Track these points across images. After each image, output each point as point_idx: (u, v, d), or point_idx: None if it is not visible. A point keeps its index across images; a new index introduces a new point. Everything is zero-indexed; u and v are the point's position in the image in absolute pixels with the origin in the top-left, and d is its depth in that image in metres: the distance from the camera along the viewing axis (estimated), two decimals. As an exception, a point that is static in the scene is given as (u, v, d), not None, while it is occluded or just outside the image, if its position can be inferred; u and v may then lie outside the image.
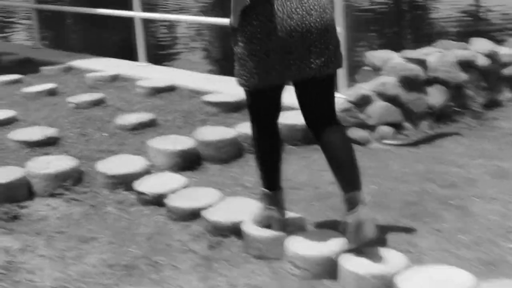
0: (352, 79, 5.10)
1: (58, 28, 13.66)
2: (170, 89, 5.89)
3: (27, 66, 7.39)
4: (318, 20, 2.82)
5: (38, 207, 3.73)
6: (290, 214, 3.20)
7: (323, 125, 2.94)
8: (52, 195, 3.83)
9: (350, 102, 4.72)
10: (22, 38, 12.27)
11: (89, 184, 3.95)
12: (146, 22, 7.10)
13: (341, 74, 4.87)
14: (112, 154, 4.31)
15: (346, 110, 4.67)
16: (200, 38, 12.14)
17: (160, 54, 10.08)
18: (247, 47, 2.84)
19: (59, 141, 4.61)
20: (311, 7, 2.81)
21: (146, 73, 6.48)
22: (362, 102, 4.75)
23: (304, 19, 2.80)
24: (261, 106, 3.03)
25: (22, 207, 3.72)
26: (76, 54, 7.91)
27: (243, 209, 3.33)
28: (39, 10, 8.95)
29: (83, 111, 5.37)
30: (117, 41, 11.16)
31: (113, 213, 3.63)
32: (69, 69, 7.07)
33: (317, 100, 2.96)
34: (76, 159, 4.12)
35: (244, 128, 4.36)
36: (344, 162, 2.88)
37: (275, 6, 2.79)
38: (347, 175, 2.87)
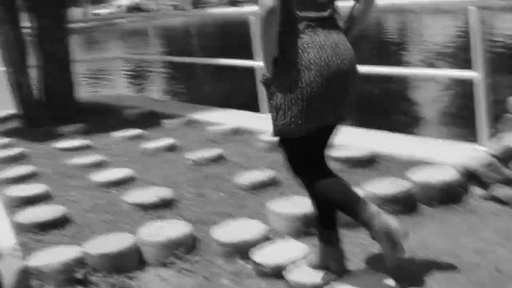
0: (493, 129, 4.55)
1: (183, 80, 13.80)
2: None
3: (150, 120, 7.34)
4: (350, 67, 2.97)
5: (148, 278, 3.45)
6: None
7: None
8: (163, 264, 3.54)
9: (492, 155, 4.17)
10: (148, 91, 12.49)
11: (203, 252, 3.63)
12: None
13: (481, 123, 4.35)
14: (229, 217, 3.99)
15: (488, 165, 4.12)
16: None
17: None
18: (290, 94, 2.89)
19: (174, 203, 4.36)
20: (344, 55, 2.94)
21: (268, 125, 6.14)
22: (507, 155, 4.18)
23: (339, 67, 2.91)
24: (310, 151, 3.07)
25: (131, 278, 3.45)
26: (198, 106, 7.80)
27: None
28: (163, 62, 8.96)
29: (201, 168, 5.13)
30: (240, 91, 11.04)
31: (227, 286, 3.28)
32: (190, 122, 6.93)
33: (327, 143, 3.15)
34: (190, 224, 3.83)
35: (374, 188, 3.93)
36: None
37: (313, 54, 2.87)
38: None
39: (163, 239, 3.60)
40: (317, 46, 2.87)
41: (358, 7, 3.04)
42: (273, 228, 3.77)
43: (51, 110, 7.85)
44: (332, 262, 3.11)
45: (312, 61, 2.86)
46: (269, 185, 4.52)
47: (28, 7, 7.89)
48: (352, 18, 3.08)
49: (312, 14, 2.90)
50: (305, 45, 2.86)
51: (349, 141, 4.95)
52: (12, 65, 7.68)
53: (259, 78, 5.21)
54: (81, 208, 4.48)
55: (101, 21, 37.19)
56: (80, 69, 16.79)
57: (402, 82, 12.13)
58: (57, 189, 5.00)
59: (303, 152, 3.05)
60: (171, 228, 3.75)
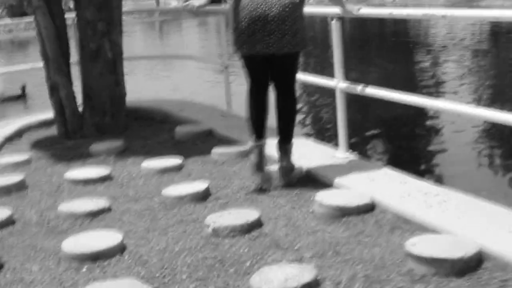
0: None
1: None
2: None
3: (201, 145, 5.83)
4: (278, 13, 4.23)
5: None
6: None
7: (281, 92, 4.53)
8: None
9: None
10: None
11: None
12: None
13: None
14: None
15: None
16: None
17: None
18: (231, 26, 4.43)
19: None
20: (274, 5, 4.23)
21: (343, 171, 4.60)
22: None
23: (265, 12, 4.23)
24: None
25: None
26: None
27: None
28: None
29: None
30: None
31: None
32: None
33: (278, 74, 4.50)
34: None
35: None
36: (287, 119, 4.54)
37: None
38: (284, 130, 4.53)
39: None
40: None
41: None
42: None
43: (94, 119, 6.48)
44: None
45: (244, 5, 4.27)
46: None
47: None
48: None
49: None
50: None
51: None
52: (49, 64, 6.35)
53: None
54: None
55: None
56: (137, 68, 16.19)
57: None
58: (12, 259, 3.61)
59: (248, 70, 4.50)
60: None
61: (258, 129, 4.49)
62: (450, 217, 3.61)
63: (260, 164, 4.48)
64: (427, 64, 17.05)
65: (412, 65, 17.08)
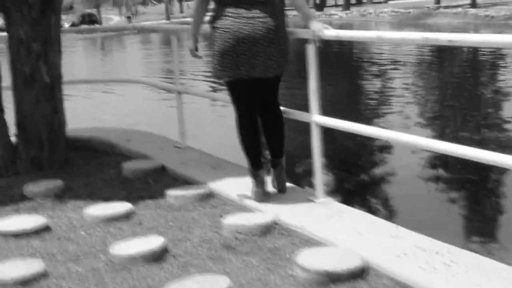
0: None
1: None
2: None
3: (155, 185, 5.08)
4: (263, 36, 4.07)
5: None
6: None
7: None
8: None
9: None
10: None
11: None
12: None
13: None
14: None
15: None
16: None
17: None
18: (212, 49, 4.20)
19: None
20: (259, 27, 4.06)
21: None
22: None
23: (250, 34, 4.05)
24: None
25: None
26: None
27: None
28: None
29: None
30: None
31: None
32: (204, 197, 4.63)
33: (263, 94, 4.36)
34: None
35: None
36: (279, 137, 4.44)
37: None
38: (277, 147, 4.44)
39: None
40: (234, 16, 4.06)
41: None
42: None
43: (29, 152, 5.67)
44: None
45: (226, 25, 4.07)
46: None
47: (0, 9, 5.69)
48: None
49: None
50: (227, 14, 4.08)
51: None
52: (-24, 89, 5.53)
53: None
54: None
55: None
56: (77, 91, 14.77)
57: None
58: None
59: (235, 95, 4.32)
60: None
61: (257, 158, 4.36)
62: (462, 284, 2.98)
63: (264, 191, 4.39)
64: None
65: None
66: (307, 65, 4.15)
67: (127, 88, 15.38)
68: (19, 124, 5.73)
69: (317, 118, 4.22)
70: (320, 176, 4.32)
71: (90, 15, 63.90)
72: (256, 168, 4.36)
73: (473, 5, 47.24)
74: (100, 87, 16.64)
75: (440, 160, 8.13)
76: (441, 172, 8.08)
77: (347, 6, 64.34)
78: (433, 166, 8.21)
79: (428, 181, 7.73)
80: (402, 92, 14.53)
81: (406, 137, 3.75)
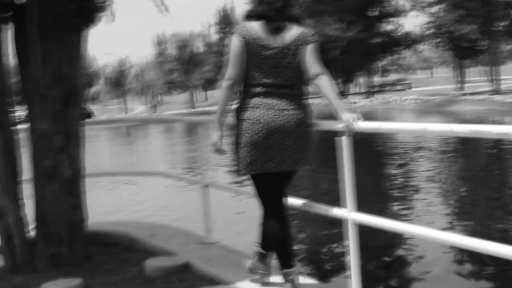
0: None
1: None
2: None
3: (179, 284, 4.75)
4: (294, 128, 3.93)
5: None
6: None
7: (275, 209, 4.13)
8: None
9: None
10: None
11: None
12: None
13: None
14: None
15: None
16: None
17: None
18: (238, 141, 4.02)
19: None
20: (289, 118, 3.92)
21: None
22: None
23: (282, 126, 3.90)
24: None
25: None
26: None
27: None
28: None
29: None
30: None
31: None
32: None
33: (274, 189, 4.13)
34: None
35: None
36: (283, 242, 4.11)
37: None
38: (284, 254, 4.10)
39: None
40: (264, 107, 3.89)
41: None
42: None
43: (48, 249, 5.42)
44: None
45: (257, 116, 3.88)
46: None
47: (22, 101, 5.54)
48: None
49: (269, 80, 3.90)
50: (256, 105, 3.91)
51: None
52: (-6, 183, 5.33)
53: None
54: None
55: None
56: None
57: None
58: None
59: (259, 189, 4.12)
60: None
61: (289, 256, 4.13)
62: None
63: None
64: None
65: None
66: (340, 159, 3.90)
67: (150, 179, 15.18)
68: (39, 220, 5.50)
69: (354, 216, 3.94)
70: (358, 279, 3.98)
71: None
72: (286, 267, 4.14)
73: (497, 91, 47.33)
74: (123, 178, 16.45)
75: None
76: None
77: (370, 93, 64.88)
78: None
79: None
80: (429, 181, 14.13)
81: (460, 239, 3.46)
